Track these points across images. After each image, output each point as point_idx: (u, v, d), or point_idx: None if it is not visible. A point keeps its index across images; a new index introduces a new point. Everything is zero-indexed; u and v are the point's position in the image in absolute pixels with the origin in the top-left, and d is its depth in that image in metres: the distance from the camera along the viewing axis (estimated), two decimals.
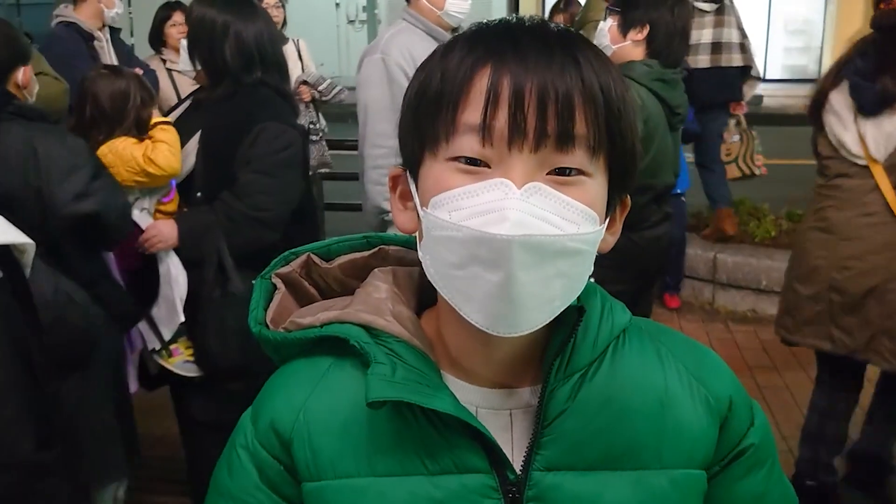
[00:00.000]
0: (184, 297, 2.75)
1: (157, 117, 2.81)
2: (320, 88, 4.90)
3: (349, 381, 0.89)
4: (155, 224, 2.77)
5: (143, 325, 2.82)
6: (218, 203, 2.70)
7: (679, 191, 4.90)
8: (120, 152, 2.72)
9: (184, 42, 2.79)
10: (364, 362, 0.87)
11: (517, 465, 0.87)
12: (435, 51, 0.87)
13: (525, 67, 0.78)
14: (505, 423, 0.89)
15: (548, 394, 0.87)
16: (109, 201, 2.48)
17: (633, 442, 0.89)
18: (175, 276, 2.75)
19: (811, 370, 4.40)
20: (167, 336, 2.80)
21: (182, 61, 2.84)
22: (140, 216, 2.77)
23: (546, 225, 0.76)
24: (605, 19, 3.09)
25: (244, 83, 2.71)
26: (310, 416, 0.89)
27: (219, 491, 0.94)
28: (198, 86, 2.97)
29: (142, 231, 2.74)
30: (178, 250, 2.76)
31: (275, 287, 0.97)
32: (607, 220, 0.85)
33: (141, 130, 2.79)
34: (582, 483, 0.87)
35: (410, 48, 3.02)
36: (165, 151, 2.71)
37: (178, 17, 5.06)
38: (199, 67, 2.79)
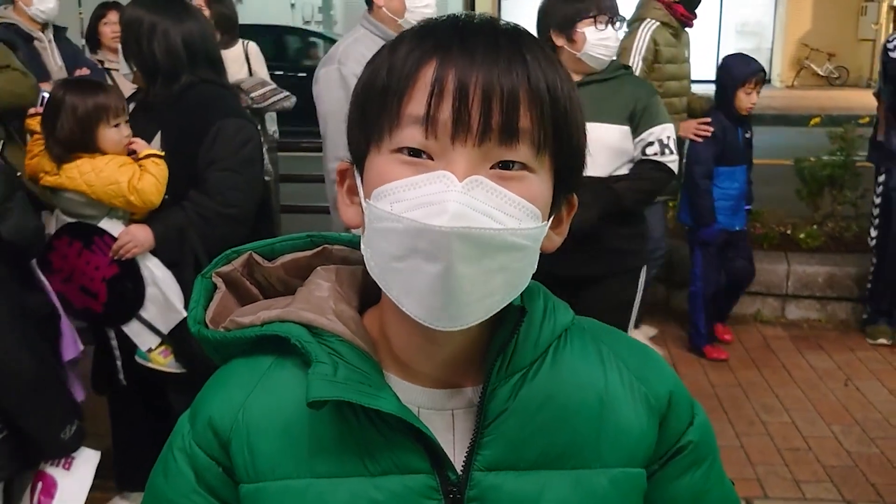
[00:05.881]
0: (180, 294, 2.75)
1: (149, 149, 2.73)
2: (252, 96, 4.51)
3: (290, 380, 0.87)
4: (128, 230, 2.72)
5: (136, 327, 2.79)
6: (187, 203, 2.74)
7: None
8: (103, 174, 2.64)
9: (120, 46, 2.81)
10: (305, 362, 0.85)
11: (458, 466, 0.87)
12: (382, 47, 0.86)
13: (471, 61, 0.77)
14: (447, 422, 0.88)
15: (489, 393, 0.86)
16: (20, 225, 2.35)
17: (573, 441, 0.89)
18: (161, 277, 2.75)
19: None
20: (165, 330, 2.78)
21: (121, 65, 2.87)
22: (111, 223, 2.72)
23: (486, 219, 0.76)
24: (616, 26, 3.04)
25: (180, 81, 2.74)
26: (249, 416, 0.87)
27: (155, 496, 0.91)
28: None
29: (114, 239, 2.70)
30: (154, 252, 2.76)
31: (215, 286, 0.96)
32: (551, 218, 0.85)
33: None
34: (522, 483, 0.87)
35: (367, 56, 2.98)
36: (152, 185, 2.66)
37: (112, 16, 4.86)
38: (134, 69, 2.82)
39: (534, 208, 0.79)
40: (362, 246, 0.84)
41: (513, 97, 0.78)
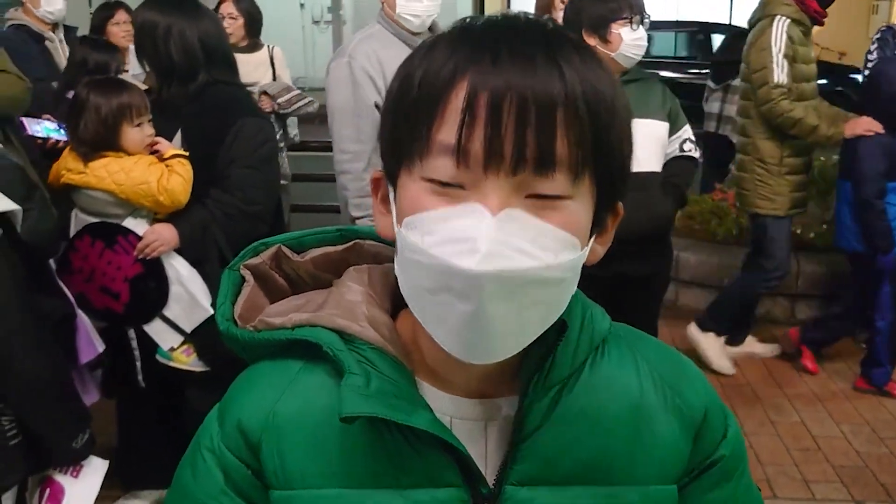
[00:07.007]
0: (207, 292, 2.79)
1: (174, 149, 2.79)
2: (279, 101, 4.59)
3: (320, 387, 0.86)
4: (153, 228, 2.75)
5: (158, 326, 2.81)
6: (210, 201, 2.79)
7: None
8: (133, 173, 2.69)
9: (132, 47, 2.84)
10: (336, 368, 0.84)
11: (490, 479, 0.85)
12: (419, 47, 0.82)
13: (505, 82, 0.73)
14: (479, 434, 0.87)
15: (525, 407, 0.84)
16: (39, 227, 2.36)
17: (606, 455, 0.87)
18: (187, 275, 2.79)
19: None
20: (189, 329, 2.81)
21: (132, 66, 2.90)
22: (136, 222, 2.76)
23: (520, 256, 0.72)
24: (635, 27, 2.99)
25: (196, 80, 2.79)
26: (279, 421, 0.86)
27: (182, 493, 0.90)
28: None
29: (138, 238, 2.73)
30: (178, 250, 2.79)
31: (243, 279, 0.94)
32: (593, 237, 0.82)
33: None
34: (555, 497, 0.85)
35: (378, 52, 2.97)
36: (180, 185, 2.71)
37: (120, 15, 4.82)
38: (147, 70, 2.87)
39: (571, 238, 0.76)
40: (396, 268, 0.82)
41: (549, 122, 0.73)
